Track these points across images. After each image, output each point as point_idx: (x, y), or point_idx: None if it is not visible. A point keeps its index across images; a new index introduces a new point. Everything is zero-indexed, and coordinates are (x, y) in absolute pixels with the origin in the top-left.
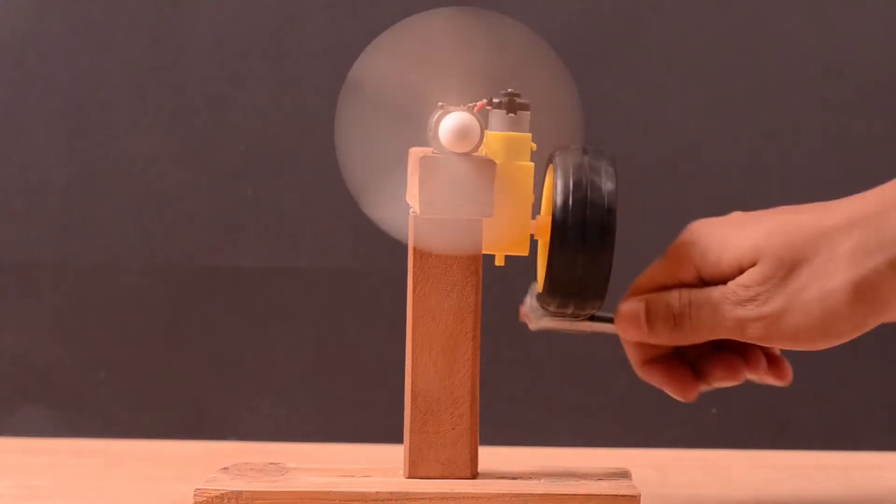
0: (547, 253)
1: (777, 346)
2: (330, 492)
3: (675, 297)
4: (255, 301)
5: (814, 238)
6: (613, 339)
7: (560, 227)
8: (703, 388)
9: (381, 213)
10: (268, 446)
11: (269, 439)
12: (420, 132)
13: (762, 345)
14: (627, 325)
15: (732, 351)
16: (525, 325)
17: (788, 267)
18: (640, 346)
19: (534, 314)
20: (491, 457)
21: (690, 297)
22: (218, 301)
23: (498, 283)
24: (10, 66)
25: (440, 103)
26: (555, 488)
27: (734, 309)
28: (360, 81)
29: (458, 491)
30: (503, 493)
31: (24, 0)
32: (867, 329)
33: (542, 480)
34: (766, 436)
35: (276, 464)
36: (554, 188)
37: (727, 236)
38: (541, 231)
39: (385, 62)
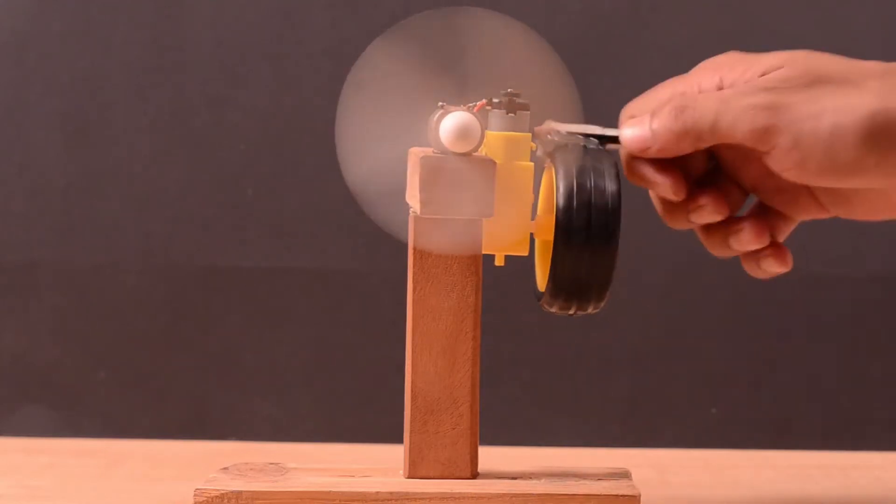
0: (548, 251)
1: (773, 159)
2: (330, 492)
3: (682, 92)
4: (255, 301)
5: (848, 67)
6: (614, 336)
7: (564, 228)
8: (685, 223)
9: (381, 213)
10: (268, 446)
11: (269, 439)
12: (420, 132)
13: (757, 148)
14: (632, 121)
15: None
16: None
17: (814, 78)
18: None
19: (545, 140)
20: (491, 457)
21: (699, 90)
22: (218, 301)
23: (498, 283)
24: (10, 66)
25: (440, 103)
26: (555, 488)
27: (743, 97)
28: (360, 81)
29: (458, 491)
30: (503, 493)
31: (24, 0)
32: (864, 172)
33: (542, 480)
34: (766, 436)
35: (276, 464)
36: (556, 187)
37: (764, 54)
38: (540, 230)
39: (385, 62)
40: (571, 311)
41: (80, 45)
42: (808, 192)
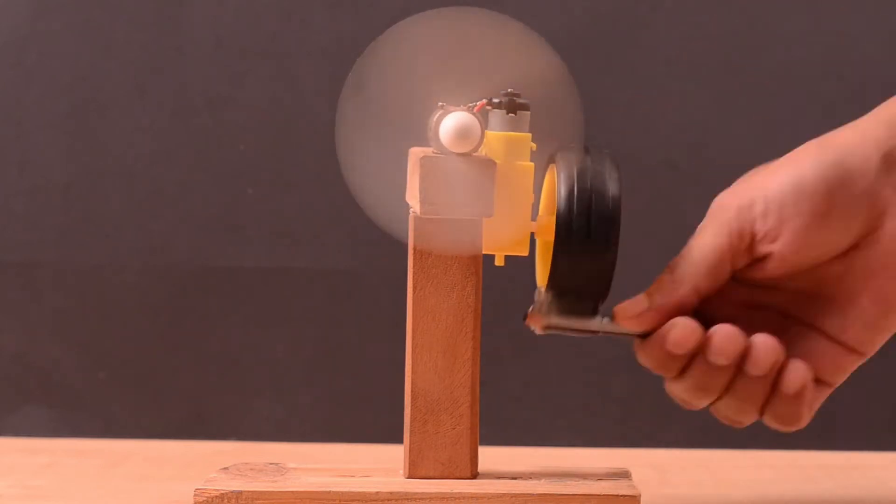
0: (549, 252)
1: (759, 235)
2: (330, 492)
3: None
4: (255, 301)
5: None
6: (615, 340)
7: (565, 228)
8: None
9: (382, 213)
10: (268, 446)
11: (269, 439)
12: (420, 132)
13: (743, 234)
14: (629, 307)
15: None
16: (531, 329)
17: (773, 165)
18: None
19: (541, 311)
20: (491, 457)
21: None
22: (218, 301)
23: (498, 283)
24: (10, 66)
25: (440, 103)
26: (555, 488)
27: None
28: (360, 81)
29: (458, 491)
30: (503, 493)
31: (24, 0)
32: (834, 216)
33: (542, 480)
34: (766, 436)
35: (276, 464)
36: (557, 189)
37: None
38: (542, 231)
39: (385, 62)
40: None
41: (80, 45)
42: (819, 334)
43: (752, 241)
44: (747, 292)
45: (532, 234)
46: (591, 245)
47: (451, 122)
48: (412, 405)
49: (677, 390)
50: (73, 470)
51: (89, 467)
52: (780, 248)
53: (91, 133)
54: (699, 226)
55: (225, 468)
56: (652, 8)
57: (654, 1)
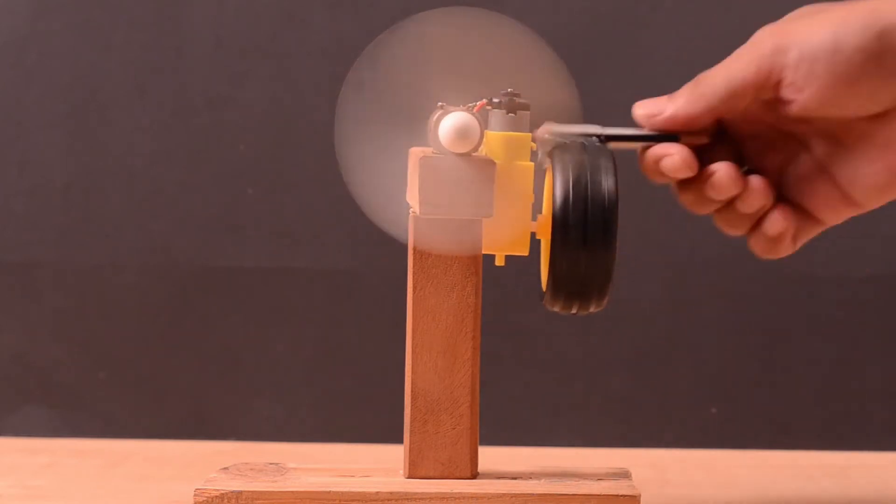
0: (550, 252)
1: (786, 83)
2: (330, 492)
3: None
4: (255, 301)
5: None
6: (615, 337)
7: (561, 226)
8: (706, 202)
9: (381, 213)
10: (268, 446)
11: (269, 439)
12: (420, 132)
13: (771, 78)
14: (647, 100)
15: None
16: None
17: (816, 9)
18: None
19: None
20: (491, 457)
21: None
22: (218, 301)
23: (498, 283)
24: (10, 66)
25: (440, 103)
26: (555, 488)
27: (749, 42)
28: (360, 81)
29: (458, 491)
30: (503, 493)
31: (24, 0)
32: (869, 77)
33: (542, 480)
34: (766, 436)
35: (276, 464)
36: (553, 186)
37: None
38: (542, 230)
39: (386, 62)
40: (573, 311)
41: (80, 45)
42: (828, 177)
43: (779, 84)
44: (776, 117)
45: (533, 235)
46: (589, 239)
47: (450, 122)
48: (412, 405)
49: (679, 197)
50: (73, 470)
51: (89, 467)
52: (804, 100)
53: (91, 133)
54: (737, 49)
55: (225, 468)
56: (652, 8)
57: (654, 1)
